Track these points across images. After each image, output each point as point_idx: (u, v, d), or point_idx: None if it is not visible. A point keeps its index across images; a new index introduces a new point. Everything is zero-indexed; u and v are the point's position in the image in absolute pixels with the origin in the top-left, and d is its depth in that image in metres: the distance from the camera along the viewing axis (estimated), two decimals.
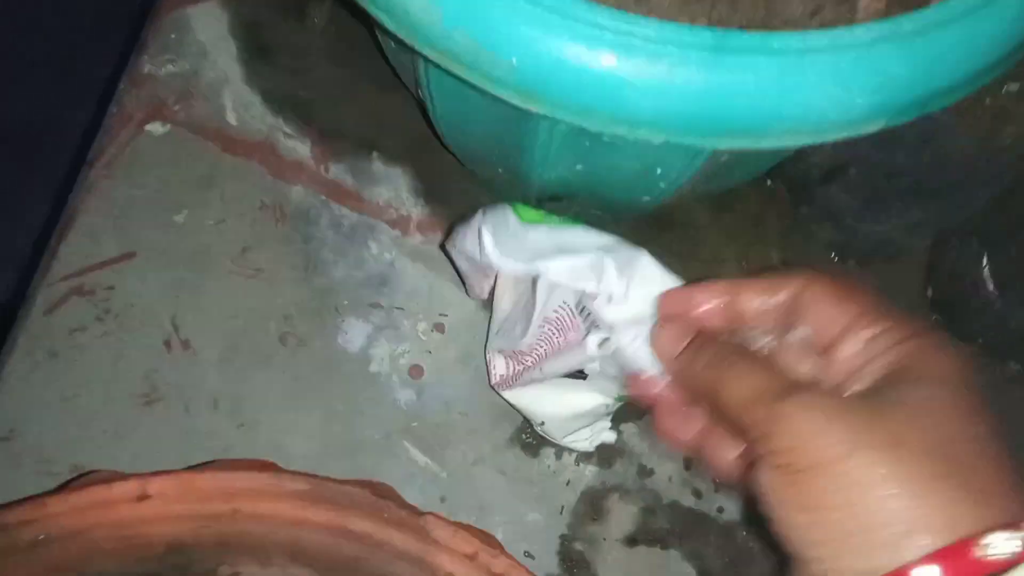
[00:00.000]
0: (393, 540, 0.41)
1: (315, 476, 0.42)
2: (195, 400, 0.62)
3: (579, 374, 0.56)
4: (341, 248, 0.67)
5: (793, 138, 0.35)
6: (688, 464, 0.65)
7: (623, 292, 0.47)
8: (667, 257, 0.52)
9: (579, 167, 0.49)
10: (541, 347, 0.56)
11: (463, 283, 0.63)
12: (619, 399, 0.58)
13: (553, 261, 0.49)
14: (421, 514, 0.41)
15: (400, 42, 0.37)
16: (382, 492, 0.42)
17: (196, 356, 0.63)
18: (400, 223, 0.69)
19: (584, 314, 0.53)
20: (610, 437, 0.64)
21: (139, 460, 0.59)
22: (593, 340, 0.49)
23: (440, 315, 0.67)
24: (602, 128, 0.36)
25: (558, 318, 0.55)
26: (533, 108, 0.36)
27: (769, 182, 0.71)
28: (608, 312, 0.49)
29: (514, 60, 0.34)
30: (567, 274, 0.50)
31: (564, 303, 0.54)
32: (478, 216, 0.53)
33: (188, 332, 0.64)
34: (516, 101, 0.36)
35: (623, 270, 0.48)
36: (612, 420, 0.65)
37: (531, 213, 0.54)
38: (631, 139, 0.36)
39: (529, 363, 0.57)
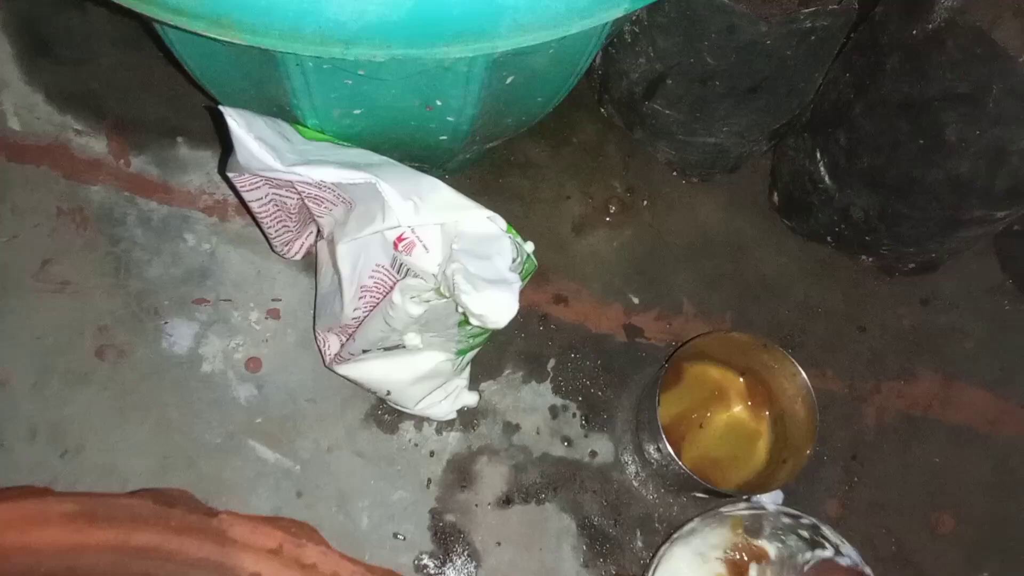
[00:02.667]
0: (185, 548, 0.37)
1: (88, 495, 0.37)
2: (9, 433, 0.56)
3: (399, 347, 0.52)
4: (154, 245, 0.62)
5: (526, 33, 0.32)
6: (555, 413, 0.62)
7: (413, 212, 0.43)
8: (509, 201, 0.48)
9: (357, 111, 0.45)
10: (363, 316, 0.52)
11: (267, 240, 0.58)
12: (460, 353, 0.54)
13: (318, 168, 0.44)
14: (215, 514, 0.37)
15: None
16: (169, 499, 0.38)
17: (4, 385, 0.57)
18: (216, 209, 0.64)
19: (402, 271, 0.49)
20: (471, 400, 0.61)
21: None
22: (398, 292, 0.46)
23: (273, 300, 0.62)
24: (318, 51, 0.32)
25: (376, 283, 0.51)
26: (238, 39, 0.32)
27: (603, 110, 0.68)
28: (423, 261, 0.46)
29: None
30: (336, 195, 0.45)
31: (379, 266, 0.50)
32: (234, 120, 0.44)
33: None
34: (218, 34, 0.32)
35: (408, 194, 0.44)
36: (470, 381, 0.61)
37: (315, 133, 0.49)
38: (367, 64, 0.32)
39: (353, 335, 0.53)
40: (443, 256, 0.46)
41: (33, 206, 0.62)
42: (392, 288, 0.49)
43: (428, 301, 0.46)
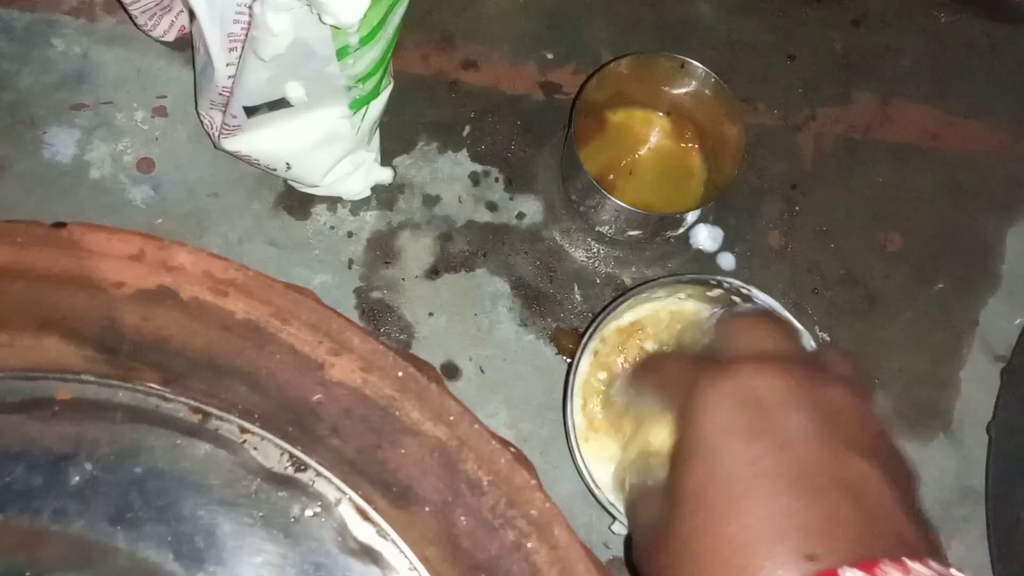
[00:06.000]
0: (37, 263, 0.33)
1: None
2: None
3: (283, 103, 0.48)
4: (21, 54, 0.57)
5: None
6: (476, 179, 0.58)
7: None
8: None
9: None
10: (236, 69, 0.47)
11: (127, 12, 0.53)
12: (355, 106, 0.50)
13: None
14: (63, 226, 0.34)
15: None
16: (14, 221, 0.34)
17: None
18: (83, 10, 0.58)
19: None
20: (385, 175, 0.57)
21: None
22: (258, 4, 0.41)
23: (158, 98, 0.57)
24: None
25: (243, 29, 0.46)
26: None
27: None
28: None
29: None
30: None
31: (242, 5, 0.45)
32: None
33: None
34: None
35: None
36: (382, 157, 0.58)
37: None
38: None
39: (232, 92, 0.48)
40: None
41: None
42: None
43: (290, 10, 0.42)
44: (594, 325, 0.50)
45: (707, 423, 0.33)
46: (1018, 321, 0.57)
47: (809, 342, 0.45)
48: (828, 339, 0.56)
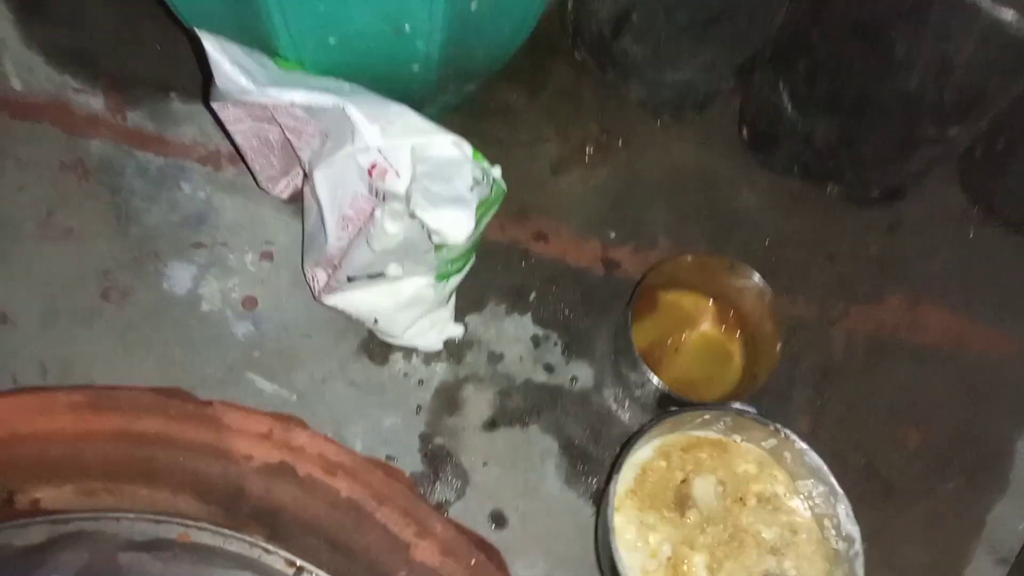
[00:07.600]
0: (184, 433, 0.40)
1: (92, 387, 0.41)
2: (21, 370, 0.59)
3: (381, 275, 0.55)
4: (151, 194, 0.65)
5: None
6: (537, 342, 0.65)
7: (380, 135, 0.46)
8: (488, 146, 0.52)
9: (332, 40, 0.48)
10: (347, 246, 0.55)
11: (252, 175, 0.61)
12: (441, 278, 0.57)
13: (289, 91, 0.47)
14: (209, 404, 0.40)
15: None
16: (166, 392, 0.41)
17: (15, 326, 0.61)
18: (210, 159, 0.67)
19: (380, 196, 0.52)
20: (457, 331, 0.64)
21: None
22: (378, 210, 0.49)
23: (266, 243, 0.65)
24: None
25: (357, 213, 0.54)
26: None
27: (577, 55, 0.71)
28: (397, 186, 0.49)
29: None
30: (304, 116, 0.48)
31: (358, 195, 0.53)
32: (210, 42, 0.48)
33: (2, 304, 0.61)
34: None
35: (375, 118, 0.47)
36: (455, 314, 0.64)
37: (294, 65, 0.52)
38: None
39: (339, 264, 0.56)
40: (404, 181, 0.49)
41: (36, 160, 0.65)
42: (373, 212, 0.52)
43: (402, 218, 0.49)
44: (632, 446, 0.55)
45: None
46: (1023, 527, 0.61)
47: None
48: None
